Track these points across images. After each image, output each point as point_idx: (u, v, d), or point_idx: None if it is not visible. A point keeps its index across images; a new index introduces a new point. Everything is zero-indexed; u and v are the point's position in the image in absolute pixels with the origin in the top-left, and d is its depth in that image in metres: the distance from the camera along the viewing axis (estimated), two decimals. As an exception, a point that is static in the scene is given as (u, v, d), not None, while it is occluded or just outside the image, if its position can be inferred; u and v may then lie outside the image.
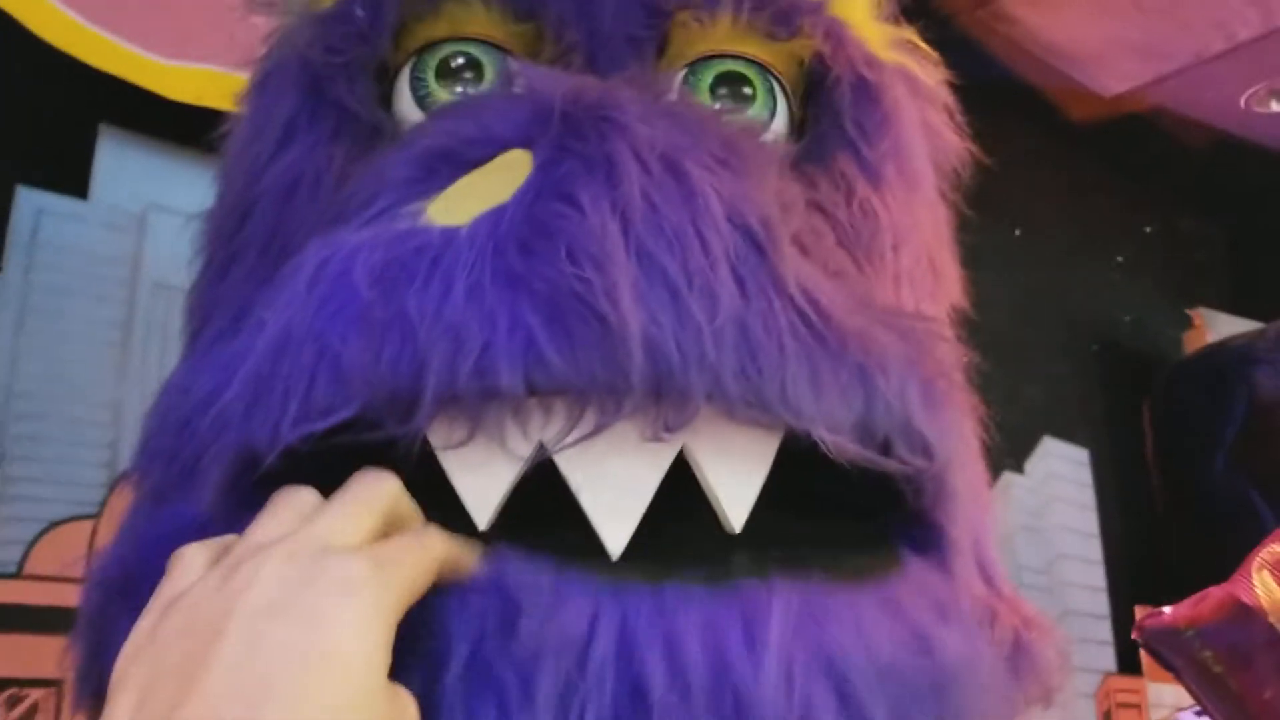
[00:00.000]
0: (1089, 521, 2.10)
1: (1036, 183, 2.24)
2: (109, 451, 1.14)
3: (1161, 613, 1.10)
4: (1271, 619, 1.01)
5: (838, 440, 0.46)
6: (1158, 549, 2.11)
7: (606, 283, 0.43)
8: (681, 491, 0.48)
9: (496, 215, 0.46)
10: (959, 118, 0.69)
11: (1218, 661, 1.05)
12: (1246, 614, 1.02)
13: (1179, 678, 1.11)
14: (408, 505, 0.46)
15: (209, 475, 0.49)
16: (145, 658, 0.40)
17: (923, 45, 0.69)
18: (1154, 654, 1.13)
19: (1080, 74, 2.18)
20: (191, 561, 0.44)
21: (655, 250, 0.45)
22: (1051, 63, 2.15)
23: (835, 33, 0.62)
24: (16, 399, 1.10)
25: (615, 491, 0.47)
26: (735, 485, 0.48)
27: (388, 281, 0.45)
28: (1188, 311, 2.35)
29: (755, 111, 0.63)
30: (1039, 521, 2.00)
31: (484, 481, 0.47)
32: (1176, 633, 1.08)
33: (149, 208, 1.20)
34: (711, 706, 0.42)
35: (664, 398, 0.44)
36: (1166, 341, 2.39)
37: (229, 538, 0.46)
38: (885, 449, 0.48)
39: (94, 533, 1.11)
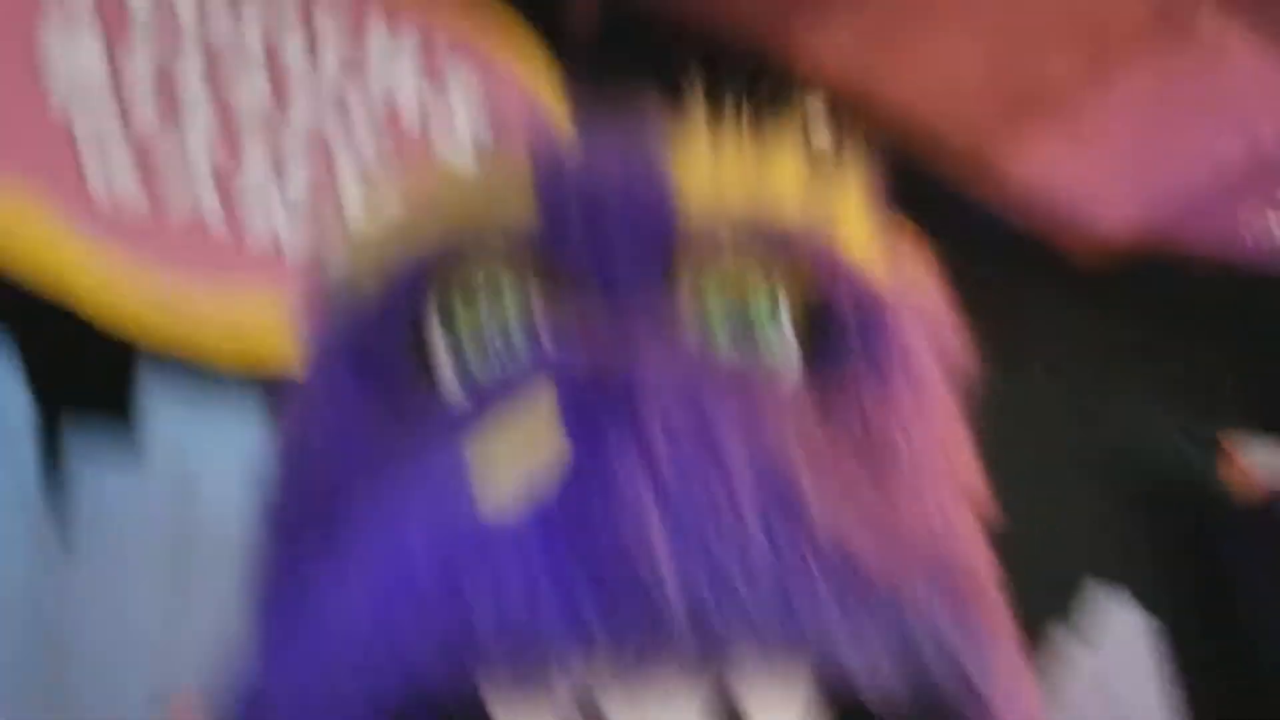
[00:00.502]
0: (1143, 670, 2.04)
1: (1053, 332, 2.26)
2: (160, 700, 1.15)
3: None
4: None
5: (875, 680, 0.48)
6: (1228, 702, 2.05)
7: (647, 554, 0.47)
8: None
9: (539, 496, 0.50)
10: (964, 328, 0.72)
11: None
12: None
13: None
14: None
15: None
16: None
17: (918, 248, 0.72)
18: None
19: (1083, 218, 2.23)
20: None
21: (690, 518, 0.48)
22: (1050, 209, 2.21)
23: (832, 257, 0.66)
24: (73, 648, 1.12)
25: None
26: (775, 721, 0.50)
27: (445, 573, 0.48)
28: (1218, 439, 2.34)
29: (762, 336, 0.66)
30: (1091, 678, 1.95)
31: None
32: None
33: (201, 466, 1.24)
34: None
35: (705, 651, 0.47)
36: (1205, 478, 2.36)
37: None
38: (925, 684, 0.50)
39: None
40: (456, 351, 0.65)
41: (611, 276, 0.64)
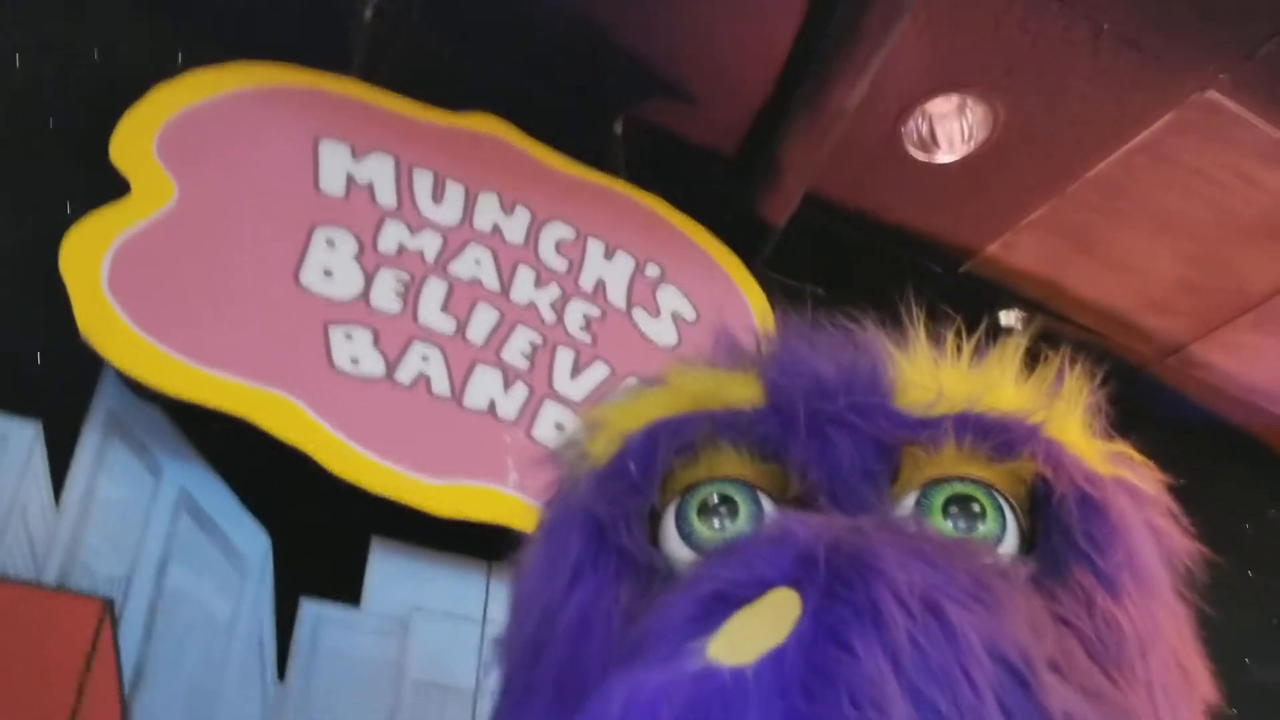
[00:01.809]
0: None
1: (1262, 521, 2.17)
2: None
3: None
4: None
5: None
6: None
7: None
8: None
9: (778, 658, 0.53)
10: (1183, 520, 0.73)
11: None
12: None
13: None
14: None
15: None
16: None
17: (1136, 456, 0.74)
18: None
19: (1280, 408, 2.16)
20: None
21: (926, 689, 0.50)
22: (1254, 401, 2.14)
23: (1054, 455, 0.69)
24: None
25: None
26: None
27: (686, 713, 0.51)
28: None
29: (986, 529, 0.68)
30: None
31: None
32: None
33: (413, 611, 1.32)
34: None
35: None
36: None
37: None
38: None
39: None
40: (691, 539, 0.69)
41: (837, 469, 0.68)
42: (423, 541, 1.36)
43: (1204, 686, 0.69)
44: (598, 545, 0.69)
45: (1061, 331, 0.71)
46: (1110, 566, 0.65)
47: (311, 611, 1.29)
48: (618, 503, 0.69)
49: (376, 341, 1.39)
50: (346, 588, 1.32)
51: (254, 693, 1.21)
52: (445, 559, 1.35)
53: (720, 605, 0.59)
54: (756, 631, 0.55)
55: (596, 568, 0.68)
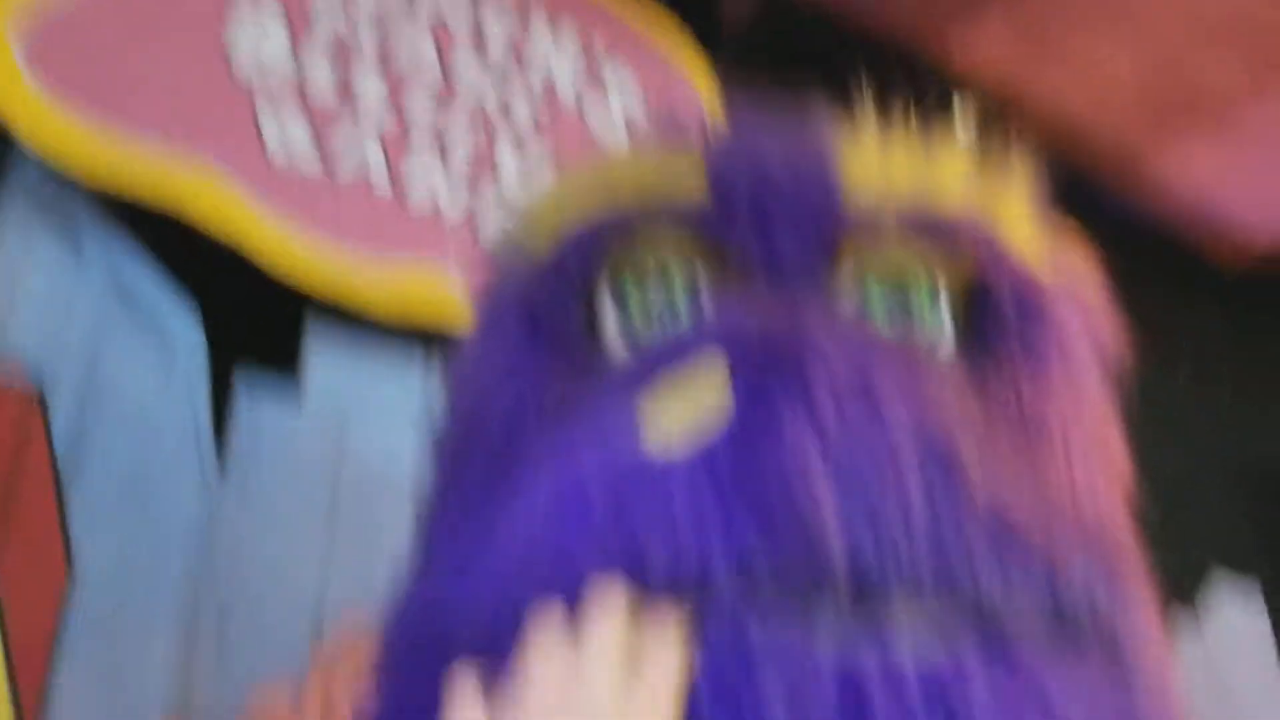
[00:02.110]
0: (1268, 662, 2.00)
1: (1200, 331, 2.22)
2: (314, 635, 1.22)
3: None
4: None
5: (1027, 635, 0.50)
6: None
7: (810, 502, 0.50)
8: None
9: (707, 440, 0.53)
10: (1119, 323, 0.73)
11: None
12: None
13: None
14: (637, 617, 0.51)
15: (455, 682, 0.55)
16: None
17: (1078, 246, 0.74)
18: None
19: (1232, 223, 2.18)
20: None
21: (852, 468, 0.50)
22: (1207, 212, 2.15)
23: (996, 251, 0.68)
24: (233, 586, 1.21)
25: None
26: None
27: (616, 505, 0.52)
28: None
29: (924, 319, 0.68)
30: (1215, 666, 1.91)
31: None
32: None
33: (353, 407, 1.32)
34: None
35: (864, 599, 0.50)
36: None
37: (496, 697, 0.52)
38: (1073, 634, 0.52)
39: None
40: (625, 323, 0.69)
41: (777, 258, 0.67)
42: (363, 338, 1.35)
43: (1123, 470, 0.71)
44: (532, 335, 0.68)
45: (1014, 131, 0.69)
46: (1042, 364, 0.66)
47: (248, 402, 1.28)
48: (554, 292, 0.68)
49: (312, 131, 1.34)
50: (285, 381, 1.31)
51: (191, 483, 1.22)
52: (386, 355, 1.34)
53: (653, 389, 0.59)
54: (687, 416, 0.56)
55: (532, 353, 0.68)
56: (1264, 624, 2.05)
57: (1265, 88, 1.92)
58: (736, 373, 0.56)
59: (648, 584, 0.50)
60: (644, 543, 0.51)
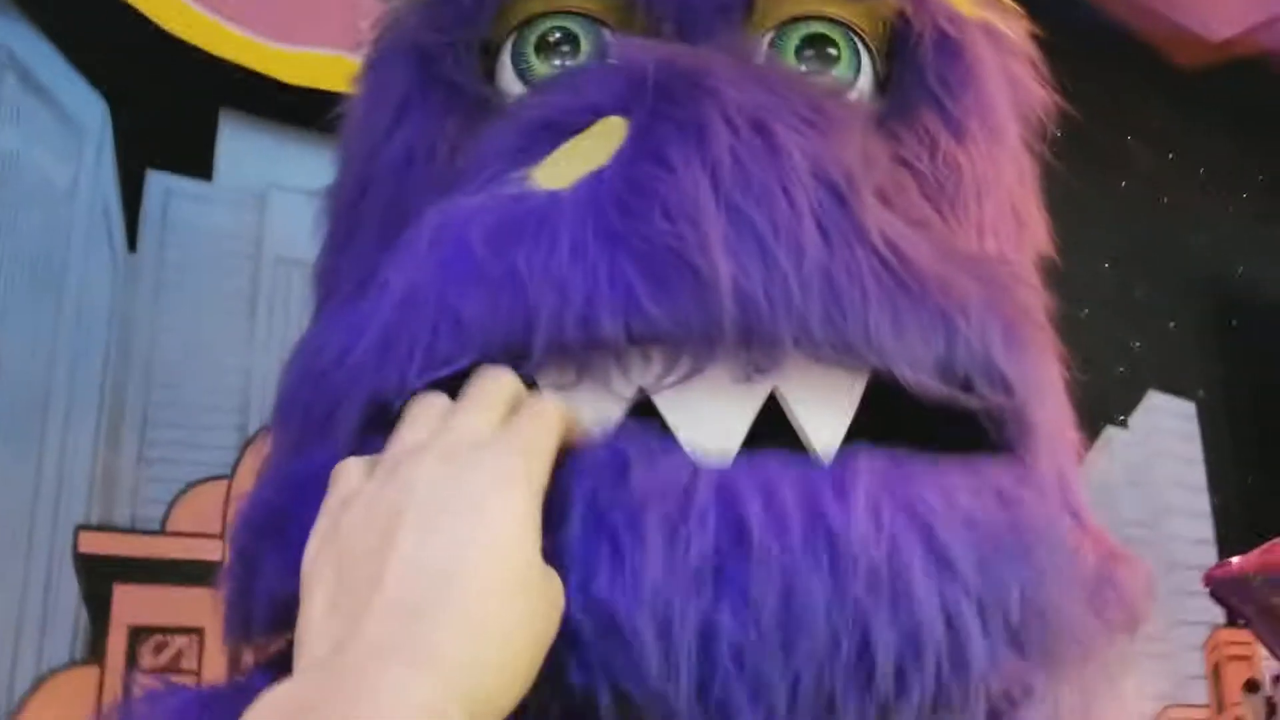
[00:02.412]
0: (1196, 475, 2.07)
1: (1144, 132, 2.20)
2: (240, 415, 1.22)
3: (1229, 563, 1.12)
4: None
5: (919, 379, 0.49)
6: (1265, 503, 2.07)
7: (699, 237, 0.47)
8: (777, 433, 0.51)
9: (596, 178, 0.50)
10: (1043, 69, 0.70)
11: (1288, 606, 1.06)
12: None
13: (1248, 625, 1.12)
14: (522, 388, 0.50)
15: (343, 423, 0.54)
16: (330, 554, 0.45)
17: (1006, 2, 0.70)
18: (1223, 603, 1.14)
19: (1187, 19, 2.13)
20: (353, 472, 0.49)
21: (744, 205, 0.48)
22: (1157, 9, 2.10)
23: None
24: (156, 369, 1.19)
25: (710, 431, 0.50)
26: (824, 425, 0.52)
27: (500, 242, 0.49)
28: (1301, 260, 2.29)
29: (840, 71, 0.65)
30: (1144, 476, 1.98)
31: (590, 421, 0.51)
32: (1245, 580, 1.09)
33: (269, 187, 1.27)
34: (807, 545, 0.46)
35: (754, 343, 0.48)
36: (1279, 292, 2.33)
37: (378, 456, 0.51)
38: (967, 387, 0.51)
39: (228, 491, 1.19)
40: (522, 64, 0.65)
41: (688, 5, 0.63)
42: (278, 116, 1.29)
43: (1038, 237, 0.69)
44: (425, 78, 0.64)
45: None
46: (959, 110, 0.63)
47: (160, 184, 1.23)
48: (447, 32, 0.64)
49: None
50: (196, 161, 1.26)
51: (102, 262, 1.18)
52: (302, 135, 1.28)
53: (547, 134, 0.56)
54: (581, 157, 0.53)
55: (423, 102, 0.64)
56: (1195, 442, 2.11)
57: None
58: (629, 109, 0.53)
59: (530, 330, 0.48)
60: (525, 280, 0.48)
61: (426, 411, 0.49)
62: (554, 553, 0.46)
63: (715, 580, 0.45)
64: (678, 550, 0.45)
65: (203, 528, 1.18)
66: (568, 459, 0.48)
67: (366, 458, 0.50)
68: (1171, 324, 2.15)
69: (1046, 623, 0.50)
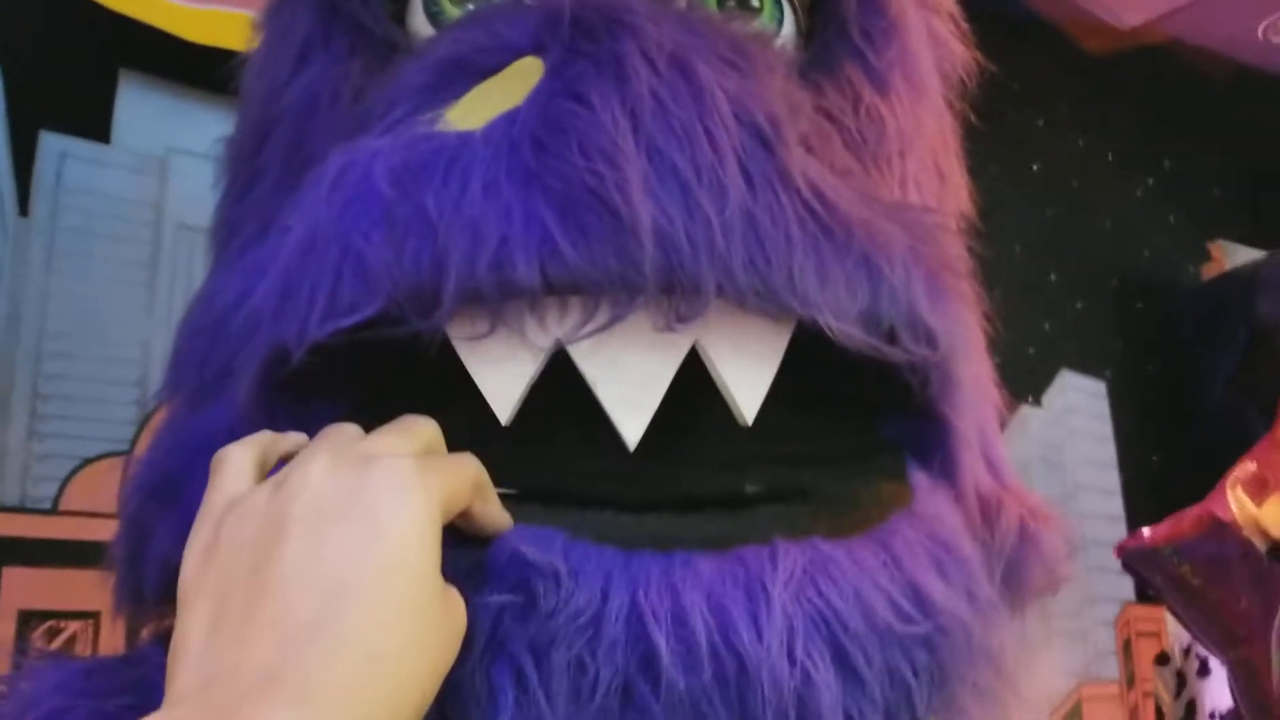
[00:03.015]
0: (1107, 452, 2.12)
1: (1055, 117, 2.24)
2: (138, 389, 1.16)
3: (1141, 534, 1.14)
4: (1245, 532, 1.04)
5: (844, 328, 0.48)
6: (1172, 478, 2.13)
7: (618, 177, 0.45)
8: (698, 389, 0.50)
9: (511, 116, 0.48)
10: (964, 27, 0.70)
11: (1195, 574, 1.09)
12: (1221, 529, 1.06)
13: (1159, 595, 1.15)
14: (442, 442, 0.47)
15: (242, 376, 0.51)
16: (213, 566, 0.41)
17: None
18: (1135, 574, 1.17)
19: (1096, 6, 2.16)
20: (237, 465, 0.45)
21: (664, 146, 0.46)
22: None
23: None
24: (48, 339, 1.13)
25: (630, 384, 0.48)
26: (747, 377, 0.50)
27: (407, 182, 0.47)
28: (1207, 245, 2.34)
29: (762, 21, 0.63)
30: (1057, 454, 2.02)
31: (504, 374, 0.48)
32: (1155, 551, 1.12)
33: (170, 151, 1.22)
34: (716, 673, 0.45)
35: (675, 290, 0.46)
36: (1186, 275, 2.39)
37: (265, 435, 0.48)
38: (890, 339, 0.50)
39: (125, 468, 1.14)
40: (433, 5, 0.62)
41: None
42: (179, 77, 1.24)
43: (960, 195, 0.69)
44: (329, 21, 0.61)
45: None
46: (882, 64, 0.62)
47: (54, 145, 1.17)
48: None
49: None
50: (93, 123, 1.20)
51: (-8, 230, 1.12)
52: (207, 97, 1.23)
53: (459, 74, 0.54)
54: (496, 97, 0.50)
55: (328, 44, 0.61)
56: (1107, 420, 2.15)
57: None
58: (545, 47, 0.51)
59: (439, 274, 0.45)
60: (435, 222, 0.46)
61: (339, 432, 0.46)
62: (455, 674, 0.43)
63: (622, 712, 0.44)
64: (584, 685, 0.44)
65: (98, 507, 1.13)
66: (471, 580, 0.45)
67: (251, 440, 0.47)
68: (1079, 305, 2.18)
69: (955, 695, 0.51)
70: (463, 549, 0.46)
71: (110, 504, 1.13)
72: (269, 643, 0.37)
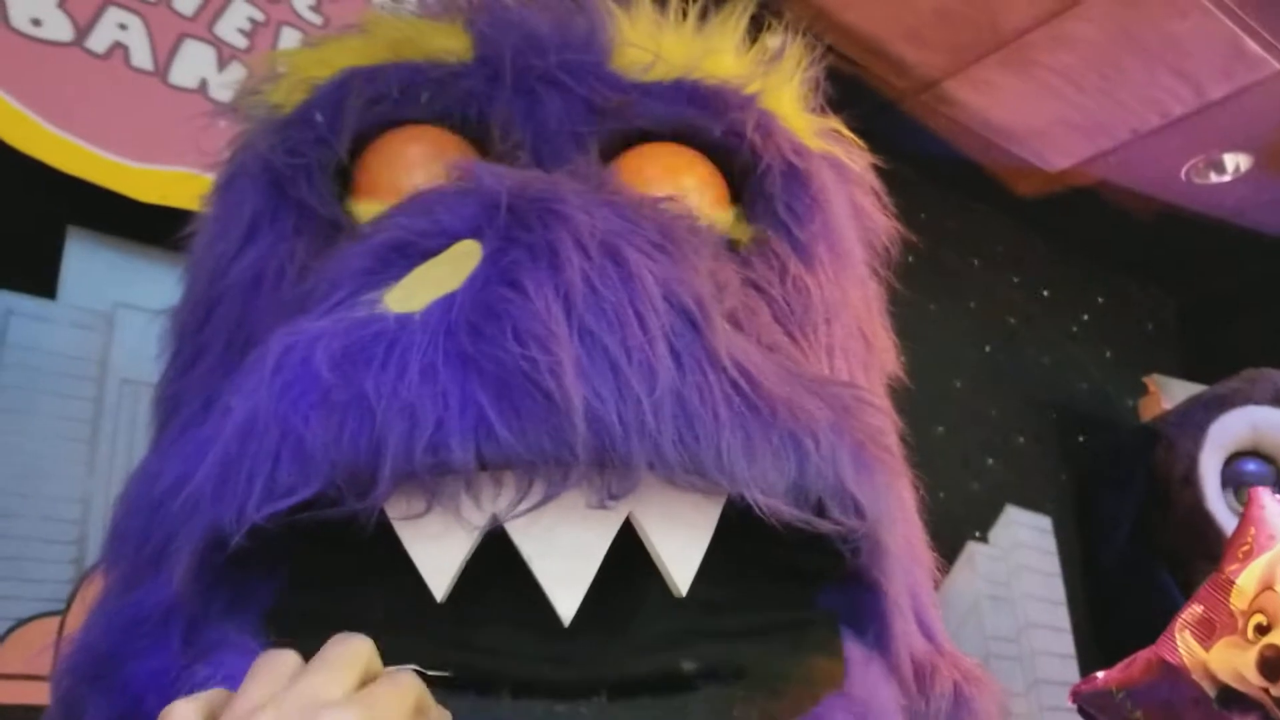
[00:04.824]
0: (1055, 589, 2.12)
1: (989, 257, 2.31)
2: (76, 548, 1.14)
3: (1095, 677, 1.14)
4: (1195, 676, 1.04)
5: (771, 503, 0.49)
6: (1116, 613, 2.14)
7: (551, 361, 0.47)
8: (633, 564, 0.51)
9: (448, 301, 0.49)
10: (886, 199, 0.73)
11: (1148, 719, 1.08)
12: (1172, 673, 1.06)
13: None
14: (378, 660, 0.46)
15: (178, 557, 0.51)
16: None
17: (847, 133, 0.73)
18: (1089, 717, 1.17)
19: (1025, 151, 2.26)
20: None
21: (596, 329, 0.48)
22: (997, 141, 2.23)
23: (764, 124, 0.67)
24: (-15, 497, 1.12)
25: (565, 559, 0.49)
26: (680, 549, 0.51)
27: (347, 365, 0.48)
28: (1143, 379, 2.40)
29: (686, 196, 0.66)
30: (1005, 591, 2.02)
31: (440, 551, 0.49)
32: (1109, 695, 1.12)
33: (116, 305, 1.23)
34: None
35: (608, 467, 0.47)
36: (1123, 409, 2.44)
37: (215, 693, 0.45)
38: (819, 511, 0.51)
39: (60, 628, 1.12)
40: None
41: (541, 121, 0.65)
42: (126, 233, 1.25)
43: (887, 359, 0.71)
44: (276, 199, 0.63)
45: (805, 35, 0.69)
46: (807, 236, 0.65)
47: (1, 302, 1.17)
48: (299, 153, 0.63)
49: (61, 1, 1.22)
50: (39, 279, 1.21)
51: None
52: (152, 252, 1.25)
53: (399, 258, 0.55)
54: (433, 281, 0.52)
55: (274, 222, 0.63)
56: (1054, 556, 2.17)
57: (1062, 25, 1.98)
58: (482, 233, 0.53)
59: (377, 457, 0.46)
60: (373, 405, 0.47)
61: (273, 669, 0.44)
62: None
63: None
64: None
65: (32, 669, 1.10)
66: None
67: (199, 698, 0.45)
68: (1021, 439, 2.22)
69: None
70: None
71: (43, 666, 1.10)
72: None
